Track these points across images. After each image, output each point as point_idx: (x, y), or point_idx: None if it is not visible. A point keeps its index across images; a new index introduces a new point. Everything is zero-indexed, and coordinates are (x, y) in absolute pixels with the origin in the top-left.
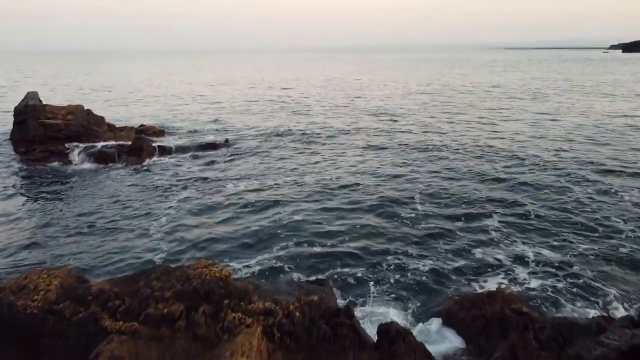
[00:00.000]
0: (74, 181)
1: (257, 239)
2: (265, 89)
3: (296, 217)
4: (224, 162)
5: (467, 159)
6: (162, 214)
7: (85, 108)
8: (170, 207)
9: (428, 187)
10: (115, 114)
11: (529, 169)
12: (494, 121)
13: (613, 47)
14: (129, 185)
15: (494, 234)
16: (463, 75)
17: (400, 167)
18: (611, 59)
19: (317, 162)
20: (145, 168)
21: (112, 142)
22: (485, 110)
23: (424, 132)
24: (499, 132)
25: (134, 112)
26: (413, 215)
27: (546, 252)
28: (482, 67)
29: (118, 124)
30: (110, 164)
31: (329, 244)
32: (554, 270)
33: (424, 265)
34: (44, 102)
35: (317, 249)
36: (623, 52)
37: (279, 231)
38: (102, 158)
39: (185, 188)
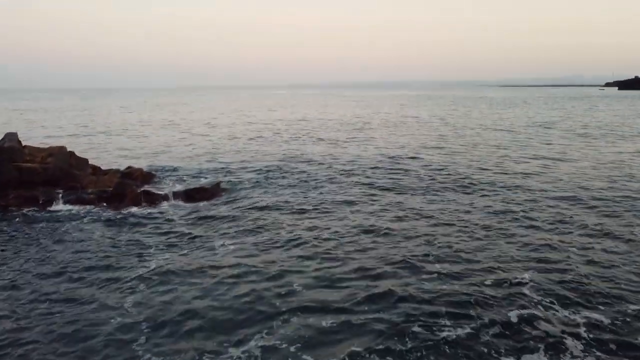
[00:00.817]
0: (43, 233)
1: (251, 315)
2: (267, 125)
3: (297, 286)
4: (214, 212)
5: (482, 207)
6: (136, 282)
7: (70, 149)
8: (147, 272)
9: (445, 240)
10: (105, 154)
11: (556, 219)
12: (510, 166)
13: (608, 84)
14: (103, 241)
15: (530, 294)
16: (465, 113)
17: (410, 217)
18: (612, 96)
19: (319, 212)
20: (125, 219)
21: (92, 189)
22: (494, 147)
23: (430, 172)
24: (515, 178)
25: (125, 152)
26: (433, 275)
27: (596, 318)
28: (480, 105)
29: (106, 166)
30: (88, 213)
31: (341, 316)
32: (609, 342)
33: (453, 337)
34: (34, 142)
35: (326, 323)
36: (619, 89)
37: (277, 304)
38: (79, 206)
39: (168, 247)
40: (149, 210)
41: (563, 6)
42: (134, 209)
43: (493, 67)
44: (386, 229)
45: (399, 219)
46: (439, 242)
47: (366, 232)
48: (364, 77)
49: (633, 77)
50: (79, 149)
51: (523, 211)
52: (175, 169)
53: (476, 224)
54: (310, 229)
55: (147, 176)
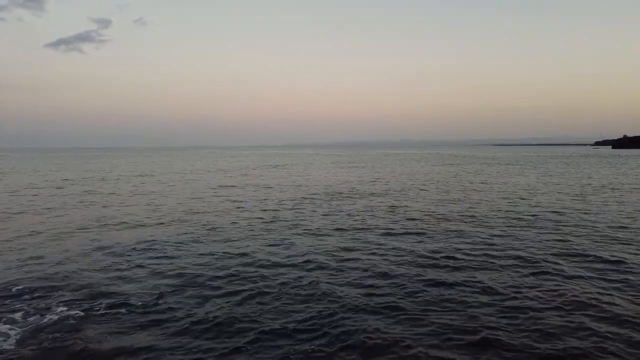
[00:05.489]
0: None
1: None
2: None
3: None
4: None
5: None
6: None
7: None
8: None
9: None
10: None
11: None
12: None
13: (598, 143)
14: None
15: None
16: (466, 171)
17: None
18: (608, 154)
19: None
20: None
21: None
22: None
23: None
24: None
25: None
26: None
27: None
28: (490, 166)
29: None
30: None
31: None
32: None
33: None
34: None
35: None
36: (613, 148)
37: None
38: None
39: None
40: None
41: (545, 69)
42: None
43: (484, 128)
44: None
45: None
46: None
47: None
48: (360, 137)
49: (622, 136)
50: None
51: None
52: (40, 284)
53: None
54: None
55: None
